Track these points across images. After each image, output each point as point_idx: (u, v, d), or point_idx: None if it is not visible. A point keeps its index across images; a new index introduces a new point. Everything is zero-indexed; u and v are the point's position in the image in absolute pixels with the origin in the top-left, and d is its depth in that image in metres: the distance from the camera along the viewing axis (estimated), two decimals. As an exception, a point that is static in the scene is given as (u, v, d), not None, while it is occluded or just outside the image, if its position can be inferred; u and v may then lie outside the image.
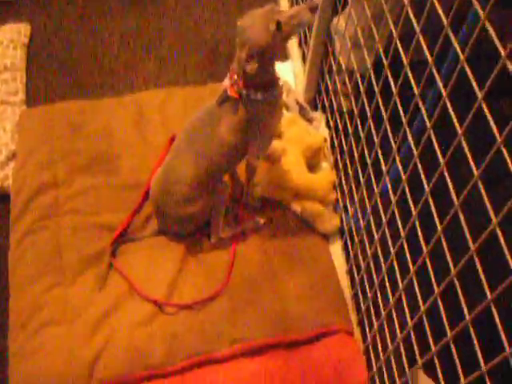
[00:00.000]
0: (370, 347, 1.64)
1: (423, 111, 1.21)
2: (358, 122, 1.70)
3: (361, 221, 1.70)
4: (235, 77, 1.51)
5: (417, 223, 1.27)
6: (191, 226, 1.79)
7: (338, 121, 1.93)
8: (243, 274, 1.78)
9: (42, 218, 1.89)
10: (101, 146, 2.07)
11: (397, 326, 1.44)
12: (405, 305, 1.38)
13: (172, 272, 1.76)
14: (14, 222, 1.91)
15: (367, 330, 1.68)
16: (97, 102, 2.25)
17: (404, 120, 1.31)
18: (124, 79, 2.52)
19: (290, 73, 2.41)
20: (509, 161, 0.87)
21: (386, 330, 1.52)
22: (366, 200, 1.66)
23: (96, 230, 1.86)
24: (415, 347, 1.32)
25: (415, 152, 1.25)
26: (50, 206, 1.92)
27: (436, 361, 1.21)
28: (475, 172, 0.98)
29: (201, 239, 1.84)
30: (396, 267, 1.42)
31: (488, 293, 0.96)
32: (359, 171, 1.72)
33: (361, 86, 1.64)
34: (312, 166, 2.01)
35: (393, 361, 1.47)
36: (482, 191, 0.96)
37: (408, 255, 1.34)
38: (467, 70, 1.00)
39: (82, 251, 1.81)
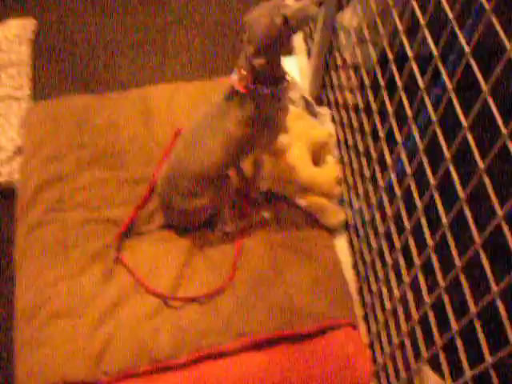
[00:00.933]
0: (375, 341, 1.65)
1: (428, 105, 1.21)
2: (364, 117, 1.70)
3: (365, 215, 1.71)
4: (243, 71, 1.51)
5: (422, 218, 1.28)
6: (197, 219, 1.80)
7: (344, 115, 1.94)
8: (249, 268, 1.78)
9: (48, 211, 1.90)
10: (107, 141, 2.08)
11: (402, 320, 1.45)
12: (410, 299, 1.38)
13: (178, 266, 1.76)
14: (20, 215, 1.91)
15: (372, 324, 1.68)
16: (103, 97, 2.25)
17: (409, 114, 1.32)
18: (129, 74, 2.53)
19: (295, 68, 2.42)
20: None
21: (392, 324, 1.52)
22: (371, 194, 1.66)
23: (102, 223, 1.86)
24: (420, 342, 1.32)
25: (420, 146, 1.25)
26: (57, 200, 1.92)
27: (441, 355, 1.21)
28: (480, 165, 0.98)
29: (206, 233, 1.84)
30: (401, 261, 1.43)
31: (493, 286, 0.96)
32: (364, 165, 1.72)
33: (366, 80, 1.64)
34: (317, 161, 2.01)
35: (398, 355, 1.47)
36: (488, 184, 0.96)
37: (413, 249, 1.34)
38: (472, 63, 1.00)
39: (89, 245, 1.81)
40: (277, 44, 1.44)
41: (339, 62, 1.98)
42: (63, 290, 1.72)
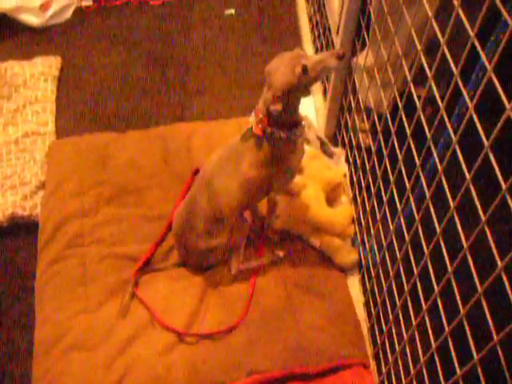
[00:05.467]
0: (385, 381, 1.66)
1: (435, 155, 1.25)
2: (375, 160, 1.74)
3: (377, 256, 1.74)
4: (260, 115, 1.55)
5: (429, 262, 1.31)
6: (211, 259, 1.84)
7: (357, 157, 1.98)
8: (262, 306, 1.82)
9: (68, 246, 1.96)
10: (127, 178, 2.15)
11: (410, 361, 1.47)
12: (417, 341, 1.41)
13: (192, 303, 1.80)
14: (41, 249, 1.98)
15: (382, 363, 1.70)
16: (124, 135, 2.33)
17: (417, 162, 1.36)
18: (150, 112, 2.59)
19: (312, 108, 2.47)
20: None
21: (400, 365, 1.54)
22: (382, 236, 1.69)
23: (120, 259, 1.92)
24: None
25: (427, 193, 1.29)
26: (77, 235, 1.99)
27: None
28: (482, 217, 1.02)
29: (221, 271, 1.89)
30: (409, 303, 1.46)
31: (494, 335, 0.99)
32: (376, 207, 1.76)
33: (377, 125, 1.69)
34: (331, 201, 2.05)
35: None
36: (489, 235, 0.99)
37: (420, 293, 1.37)
38: (475, 118, 1.04)
39: (106, 280, 1.87)
40: (295, 92, 1.49)
41: (353, 105, 2.02)
42: (80, 324, 1.77)
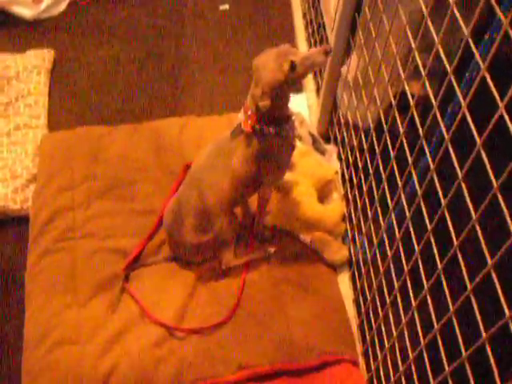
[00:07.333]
0: (374, 378, 1.67)
1: (427, 153, 1.26)
2: (367, 157, 1.75)
3: (367, 253, 1.74)
4: (249, 111, 1.55)
5: (419, 260, 1.31)
6: (202, 254, 1.84)
7: (349, 154, 1.98)
8: (252, 302, 1.82)
9: (59, 239, 1.95)
10: (118, 172, 2.14)
11: (399, 358, 1.47)
12: (407, 338, 1.41)
13: (183, 297, 1.80)
14: (32, 243, 1.97)
15: (371, 360, 1.70)
16: (115, 129, 2.32)
17: (409, 160, 1.36)
18: (142, 106, 2.58)
19: (304, 104, 2.47)
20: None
21: (389, 362, 1.55)
22: (373, 233, 1.70)
23: (110, 253, 1.91)
24: (415, 380, 1.35)
25: (419, 191, 1.29)
26: (67, 228, 1.98)
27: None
28: (473, 215, 1.02)
29: (212, 266, 1.88)
30: (399, 301, 1.46)
31: (483, 332, 1.00)
32: (367, 205, 1.76)
33: (370, 123, 1.69)
34: (323, 197, 2.05)
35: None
36: (479, 233, 1.00)
37: (410, 290, 1.37)
38: (468, 116, 1.04)
39: (97, 274, 1.86)
40: (283, 88, 1.48)
41: (346, 102, 2.02)
42: (70, 318, 1.77)
